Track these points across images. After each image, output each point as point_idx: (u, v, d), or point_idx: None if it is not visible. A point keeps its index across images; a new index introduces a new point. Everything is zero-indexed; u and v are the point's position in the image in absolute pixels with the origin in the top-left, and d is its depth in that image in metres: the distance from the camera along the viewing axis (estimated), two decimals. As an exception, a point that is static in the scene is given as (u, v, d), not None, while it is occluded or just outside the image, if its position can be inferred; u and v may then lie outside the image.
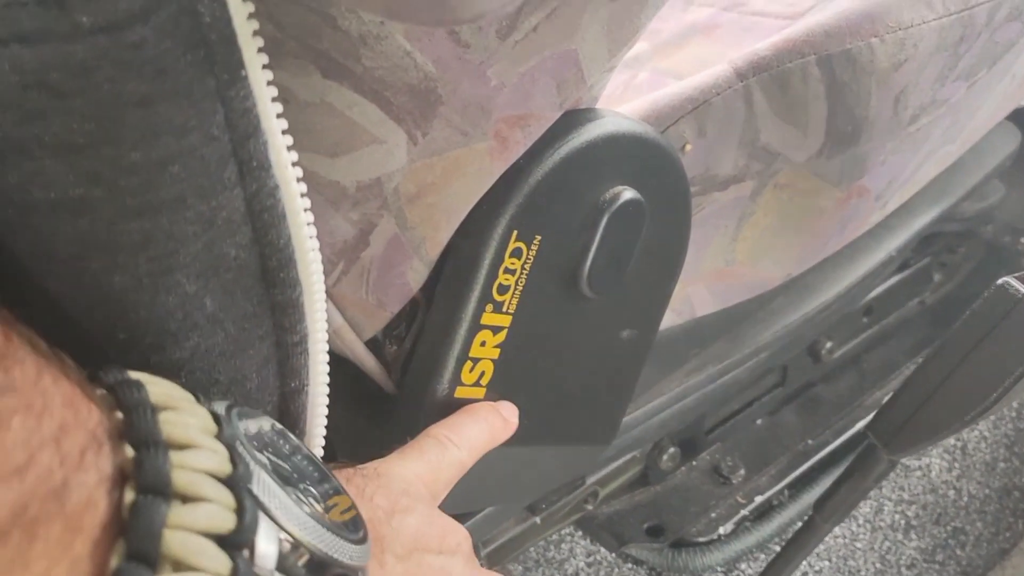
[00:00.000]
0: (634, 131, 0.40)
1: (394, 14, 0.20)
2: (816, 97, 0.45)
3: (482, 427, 0.40)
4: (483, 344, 0.40)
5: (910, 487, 0.78)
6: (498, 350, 0.41)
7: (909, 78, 0.46)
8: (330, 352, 0.42)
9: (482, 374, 0.41)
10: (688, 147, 0.46)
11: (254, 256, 0.26)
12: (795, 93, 0.45)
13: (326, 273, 0.38)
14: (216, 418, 0.24)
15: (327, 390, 0.32)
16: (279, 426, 0.28)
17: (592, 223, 0.40)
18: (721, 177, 0.47)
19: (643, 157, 0.41)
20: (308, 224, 0.27)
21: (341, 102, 0.33)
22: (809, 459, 0.70)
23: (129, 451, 0.20)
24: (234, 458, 0.22)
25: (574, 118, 0.39)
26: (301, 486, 0.25)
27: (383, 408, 0.43)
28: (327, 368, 0.31)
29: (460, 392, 0.41)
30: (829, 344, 0.73)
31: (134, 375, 0.23)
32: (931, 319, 0.84)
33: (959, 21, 0.46)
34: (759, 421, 0.73)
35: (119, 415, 0.21)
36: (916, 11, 0.45)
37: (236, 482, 0.21)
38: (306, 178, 0.35)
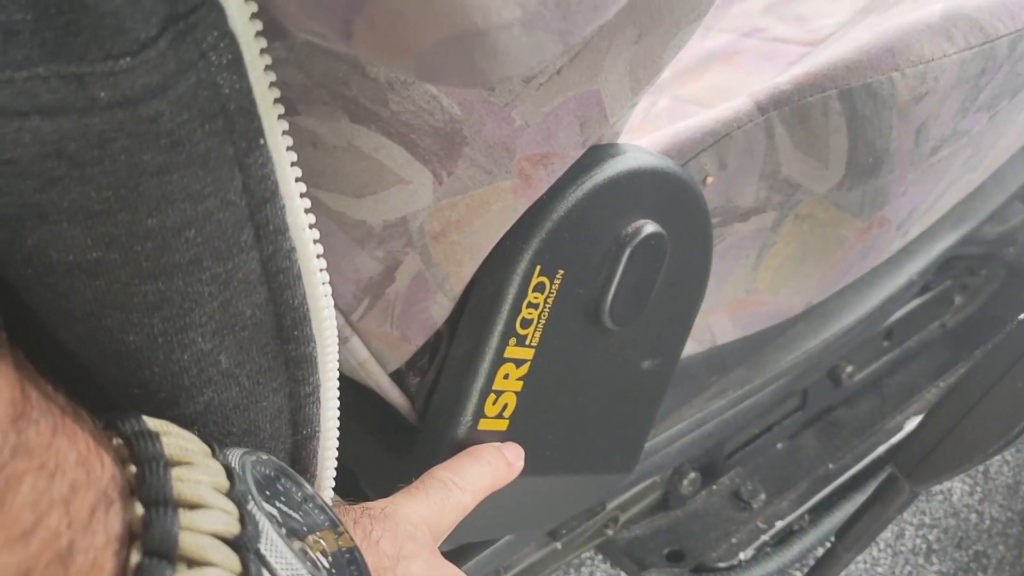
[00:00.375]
0: (656, 165, 0.41)
1: (426, 77, 0.21)
2: (837, 130, 0.45)
3: (486, 470, 0.40)
4: (506, 377, 0.41)
5: (931, 511, 0.77)
6: (521, 383, 0.41)
7: (930, 111, 0.46)
8: (354, 382, 0.43)
9: (505, 406, 0.42)
10: (709, 179, 0.46)
11: (269, 314, 0.26)
12: (816, 126, 0.45)
13: (351, 308, 0.39)
14: (229, 472, 0.24)
15: (337, 435, 0.33)
16: (293, 473, 0.28)
17: (614, 257, 0.41)
18: (742, 208, 0.48)
19: (665, 191, 0.41)
20: (323, 283, 0.28)
21: (368, 145, 0.33)
22: (830, 483, 0.70)
23: (139, 508, 0.20)
24: (243, 517, 0.22)
25: (596, 154, 0.39)
26: (310, 538, 0.26)
27: (406, 439, 0.43)
28: (337, 415, 0.32)
29: (483, 424, 0.41)
30: (849, 368, 0.73)
31: (151, 425, 0.23)
32: (952, 342, 0.84)
33: (980, 54, 0.46)
34: (779, 445, 0.73)
35: (132, 469, 0.21)
36: (937, 45, 0.45)
37: (243, 544, 0.22)
38: (333, 218, 0.36)
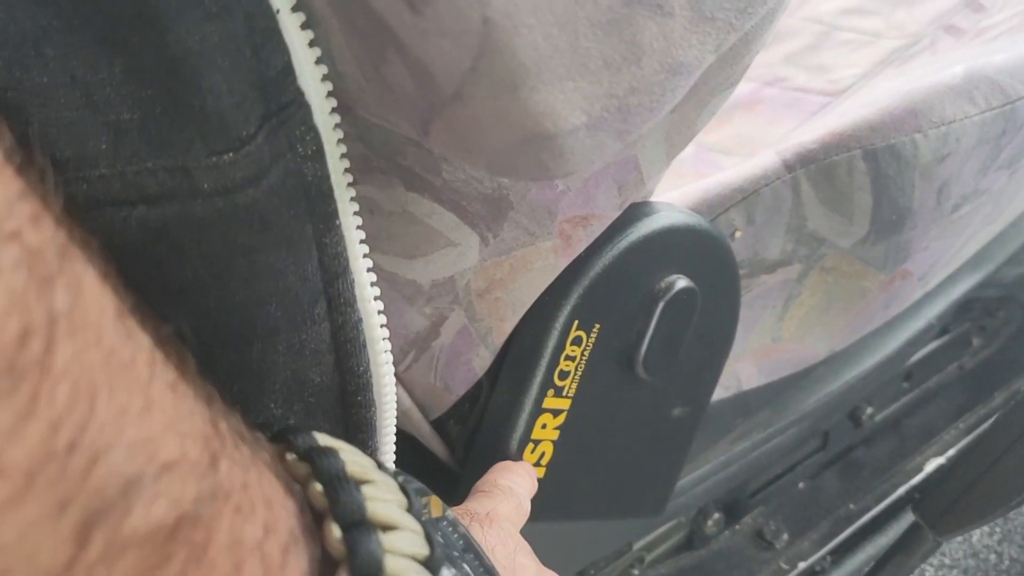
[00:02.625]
0: (687, 223, 0.43)
1: (496, 173, 0.23)
2: (861, 188, 0.47)
3: (525, 480, 0.41)
4: (544, 427, 0.42)
5: (951, 552, 0.78)
6: (558, 431, 0.43)
7: (952, 170, 0.48)
8: (398, 429, 0.45)
9: (543, 455, 0.43)
10: (738, 233, 0.48)
11: (335, 381, 0.28)
12: (841, 184, 0.47)
13: (398, 361, 0.41)
14: (403, 490, 0.23)
15: None
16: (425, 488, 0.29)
17: (648, 310, 0.42)
18: (769, 261, 0.49)
19: (696, 247, 0.43)
20: (386, 351, 0.29)
21: (421, 211, 0.35)
22: (852, 524, 0.71)
23: (334, 532, 0.20)
24: (430, 537, 0.22)
25: (631, 213, 0.41)
26: (464, 560, 0.26)
27: (446, 484, 0.45)
28: None
29: (522, 472, 0.43)
30: (870, 409, 0.74)
31: (323, 440, 0.23)
32: (971, 383, 0.85)
33: (1001, 115, 0.48)
34: (801, 485, 0.74)
35: (317, 487, 0.21)
36: (958, 107, 0.47)
37: (435, 566, 0.21)
38: (385, 278, 0.38)
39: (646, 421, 0.47)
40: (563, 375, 0.42)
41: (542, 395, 0.41)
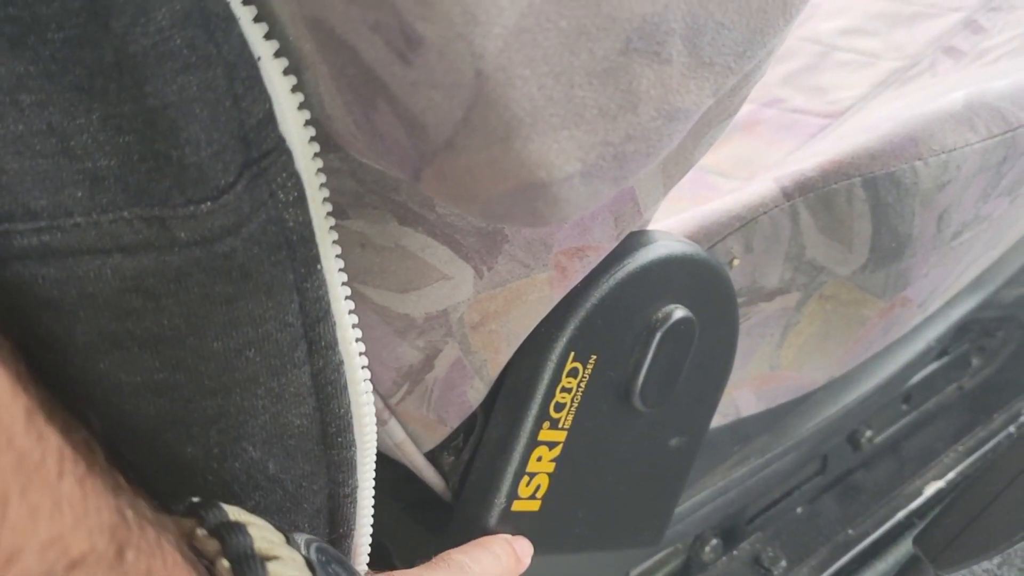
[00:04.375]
0: (684, 252, 0.42)
1: (490, 220, 0.22)
2: (861, 216, 0.47)
3: (496, 562, 0.40)
4: (539, 460, 0.42)
5: (950, 574, 0.77)
6: (553, 464, 0.42)
7: (952, 198, 0.47)
8: (390, 458, 0.44)
9: (538, 487, 0.42)
10: (736, 262, 0.48)
11: (316, 423, 0.28)
12: (840, 212, 0.47)
13: (391, 394, 0.40)
14: (310, 565, 0.25)
15: (370, 532, 0.34)
16: (344, 559, 0.29)
17: (645, 341, 0.42)
18: (767, 289, 0.49)
19: (693, 277, 0.43)
20: (367, 392, 0.29)
21: (415, 245, 0.35)
22: (850, 550, 0.71)
23: None
24: None
25: (628, 243, 0.40)
26: None
27: (440, 516, 0.44)
28: (371, 513, 0.33)
29: (517, 506, 0.42)
30: (869, 433, 0.74)
31: (233, 515, 0.24)
32: (970, 404, 0.84)
33: (1002, 143, 0.48)
34: (799, 509, 0.74)
35: (225, 563, 0.22)
36: (959, 134, 0.47)
37: None
38: (377, 311, 0.37)
39: (643, 452, 0.46)
40: (559, 407, 0.41)
41: (537, 427, 0.41)
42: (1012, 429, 0.82)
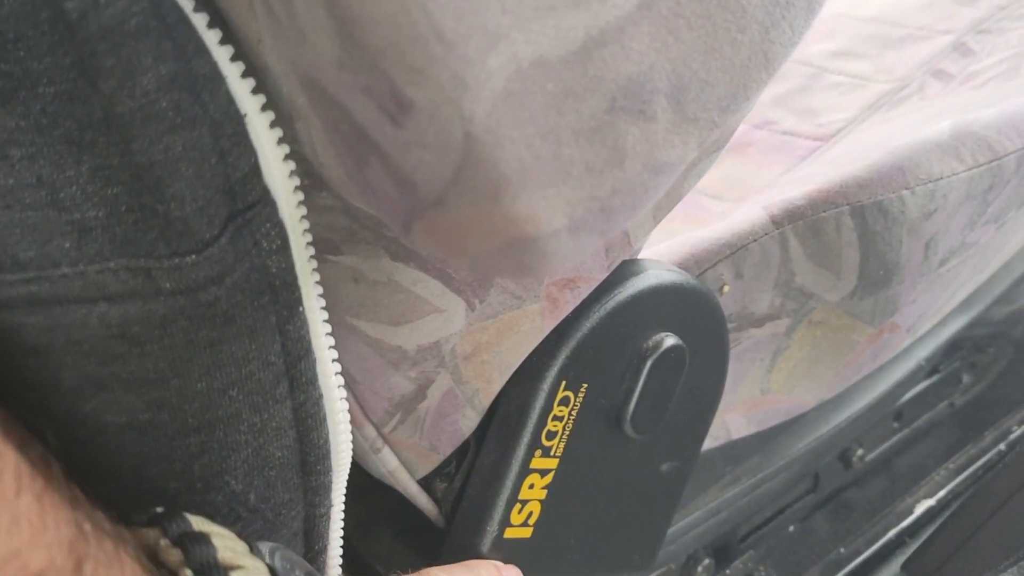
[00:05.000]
0: (674, 281, 0.43)
1: (478, 272, 0.23)
2: (849, 244, 0.47)
3: None
4: (531, 487, 0.42)
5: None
6: (545, 491, 0.43)
7: (939, 226, 0.48)
8: (383, 485, 0.45)
9: (530, 514, 0.43)
10: (726, 288, 0.48)
11: (295, 454, 0.29)
12: (829, 240, 0.47)
13: (384, 423, 0.41)
14: (273, 573, 0.25)
15: (341, 543, 0.34)
16: (311, 569, 0.30)
17: (636, 369, 0.42)
18: (757, 315, 0.49)
19: (683, 305, 0.43)
20: (344, 422, 0.30)
21: (407, 279, 0.35)
22: (841, 569, 0.71)
23: None
24: None
25: (619, 272, 0.41)
26: None
27: (432, 542, 0.44)
28: (341, 531, 0.34)
29: (509, 533, 0.43)
30: (860, 451, 0.74)
31: (196, 525, 0.24)
32: (961, 422, 0.85)
33: (988, 171, 0.48)
34: (791, 528, 0.74)
35: (188, 574, 0.22)
36: (946, 164, 0.47)
37: None
38: (370, 344, 0.38)
39: (635, 478, 0.47)
40: (550, 435, 0.41)
41: (529, 456, 0.41)
42: (1003, 447, 0.83)
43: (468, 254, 0.22)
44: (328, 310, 0.30)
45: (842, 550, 0.72)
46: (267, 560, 0.25)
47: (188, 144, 0.21)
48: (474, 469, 0.43)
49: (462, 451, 0.43)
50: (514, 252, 0.22)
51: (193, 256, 0.22)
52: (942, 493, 0.77)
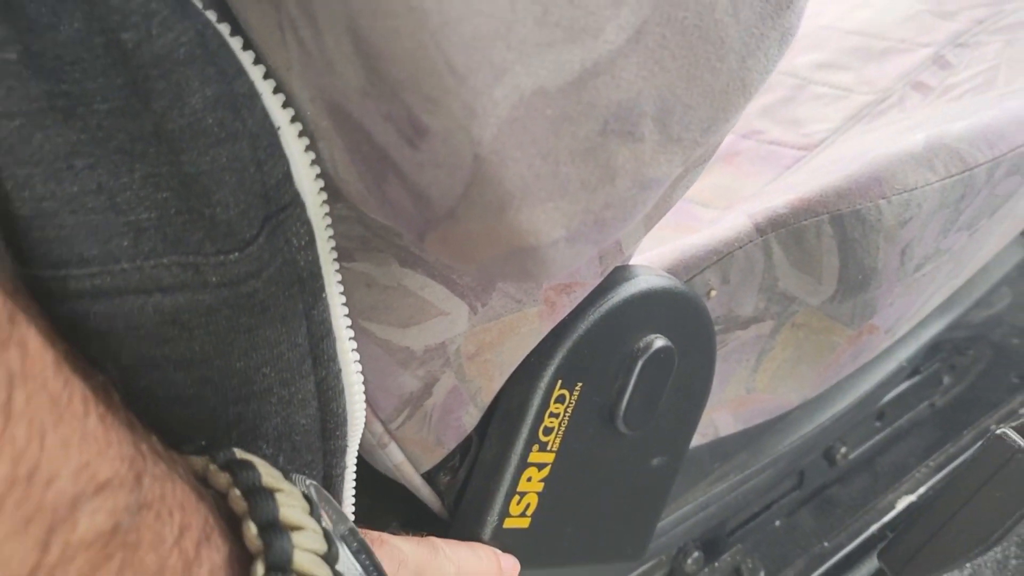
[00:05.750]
0: (664, 286, 0.45)
1: (484, 277, 0.25)
2: (829, 251, 0.50)
3: (476, 563, 0.44)
4: (529, 480, 0.45)
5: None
6: (542, 484, 0.45)
7: (914, 233, 0.51)
8: (390, 479, 0.47)
9: (528, 506, 0.45)
10: (713, 293, 0.51)
11: (317, 421, 0.32)
12: (810, 247, 0.50)
13: (391, 419, 0.43)
14: (306, 496, 0.28)
15: (353, 497, 0.38)
16: (328, 496, 0.33)
17: (627, 369, 0.45)
18: (743, 318, 0.52)
19: (672, 308, 0.46)
20: (359, 393, 0.33)
21: (415, 284, 0.38)
22: (825, 562, 0.74)
23: (252, 531, 0.24)
24: (328, 537, 0.26)
25: (612, 277, 0.44)
26: (361, 556, 0.30)
27: (436, 533, 0.47)
28: (354, 484, 0.37)
29: (508, 523, 0.45)
30: (844, 449, 0.77)
31: (240, 454, 0.27)
32: (941, 421, 0.88)
33: (960, 182, 0.51)
34: (777, 522, 0.77)
35: (237, 493, 0.25)
36: (920, 174, 0.50)
37: (331, 560, 0.25)
38: (380, 345, 0.40)
39: (626, 471, 0.49)
40: (547, 431, 0.44)
41: (527, 450, 0.44)
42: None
43: (476, 261, 0.25)
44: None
45: (826, 544, 0.74)
46: (302, 488, 0.28)
47: (231, 156, 0.24)
48: (476, 463, 0.45)
49: (465, 446, 0.46)
50: (517, 260, 0.24)
51: (236, 254, 0.25)
52: (922, 490, 0.79)
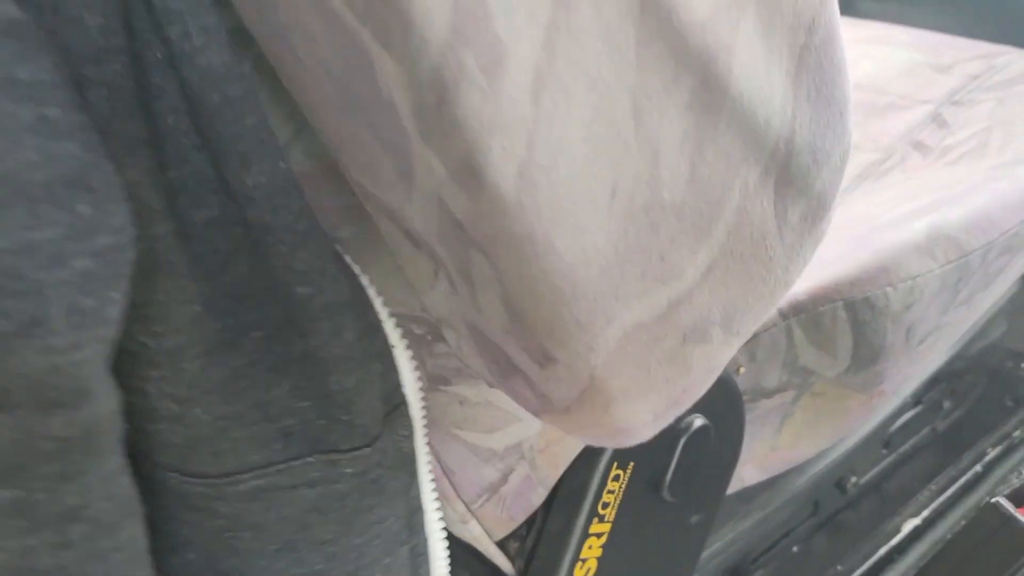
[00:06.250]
0: (702, 373, 0.52)
1: (586, 443, 0.32)
2: (843, 332, 0.57)
3: None
4: (590, 547, 0.52)
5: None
6: (601, 549, 0.53)
7: (918, 315, 0.57)
8: (470, 547, 0.54)
9: (589, 569, 0.53)
10: (742, 370, 0.58)
11: (408, 569, 0.37)
12: (826, 329, 0.57)
13: (473, 501, 0.50)
14: None
15: None
16: None
17: (670, 447, 0.52)
18: (768, 389, 0.59)
19: (710, 389, 0.53)
20: (442, 558, 0.38)
21: (500, 400, 0.45)
22: (840, 586, 0.81)
23: None
24: None
25: (657, 370, 0.51)
26: None
27: (507, 592, 0.54)
28: None
29: (572, 585, 0.52)
30: (854, 478, 0.84)
31: None
32: (943, 445, 0.95)
33: (958, 267, 0.58)
34: (795, 548, 0.84)
35: None
36: (922, 263, 0.57)
37: None
38: (468, 447, 0.47)
39: (670, 531, 0.56)
40: (604, 505, 0.51)
41: (588, 523, 0.51)
42: (979, 467, 0.93)
43: (580, 436, 0.31)
44: (437, 424, 0.39)
45: (839, 567, 0.82)
46: None
47: (368, 375, 0.30)
48: (543, 533, 0.52)
49: (531, 518, 0.53)
50: (614, 438, 0.31)
51: (368, 448, 0.30)
52: (926, 512, 0.87)
